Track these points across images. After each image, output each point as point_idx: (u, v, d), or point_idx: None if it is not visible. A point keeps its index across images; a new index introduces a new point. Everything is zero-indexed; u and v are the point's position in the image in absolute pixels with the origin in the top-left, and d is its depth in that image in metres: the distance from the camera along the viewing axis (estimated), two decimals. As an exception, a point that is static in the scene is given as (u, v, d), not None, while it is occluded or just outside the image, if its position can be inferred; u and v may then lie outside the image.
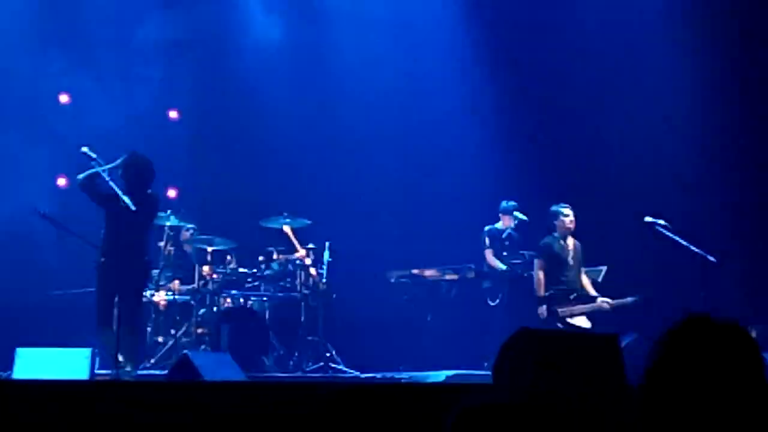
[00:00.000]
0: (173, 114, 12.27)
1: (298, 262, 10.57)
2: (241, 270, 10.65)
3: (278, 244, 11.13)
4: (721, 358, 1.95)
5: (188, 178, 12.14)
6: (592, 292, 10.24)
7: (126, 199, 8.37)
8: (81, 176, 8.90)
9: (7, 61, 11.21)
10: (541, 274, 10.14)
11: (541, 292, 10.11)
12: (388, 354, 11.20)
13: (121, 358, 8.04)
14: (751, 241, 10.73)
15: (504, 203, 11.36)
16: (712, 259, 9.58)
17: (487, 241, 11.33)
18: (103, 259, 8.62)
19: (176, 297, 10.15)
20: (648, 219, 9.93)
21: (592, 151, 11.51)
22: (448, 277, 11.82)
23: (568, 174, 11.48)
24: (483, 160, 12.06)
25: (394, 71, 13.59)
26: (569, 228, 10.23)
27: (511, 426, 2.26)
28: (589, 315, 10.03)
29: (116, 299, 8.55)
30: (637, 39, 11.43)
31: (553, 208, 10.30)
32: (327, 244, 11.22)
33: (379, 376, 9.92)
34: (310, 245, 11.30)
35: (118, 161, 8.75)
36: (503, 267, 11.12)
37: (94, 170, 8.75)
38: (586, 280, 10.36)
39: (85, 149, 8.84)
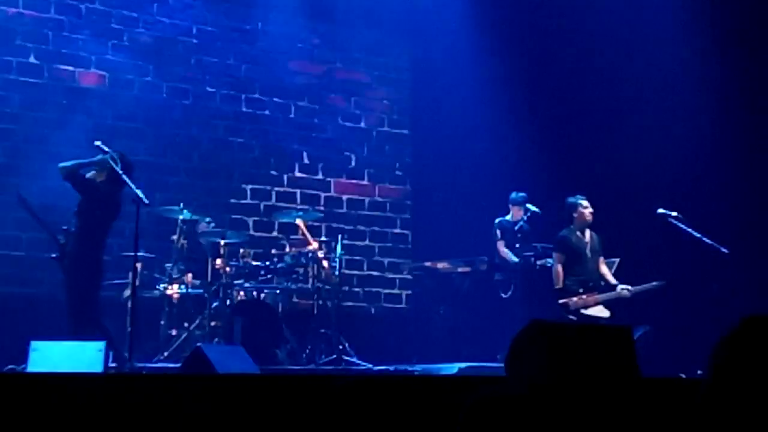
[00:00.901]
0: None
1: (310, 255, 10.57)
2: (254, 263, 10.66)
3: (291, 238, 11.18)
4: None
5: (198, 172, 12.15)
6: (612, 280, 10.20)
7: (139, 192, 8.41)
8: (64, 165, 9.05)
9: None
10: (559, 267, 10.13)
11: (559, 284, 10.10)
12: (400, 346, 11.21)
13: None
14: (763, 232, 10.69)
15: (513, 194, 11.36)
16: (724, 250, 9.56)
17: (498, 233, 11.34)
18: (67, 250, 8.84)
19: (189, 290, 10.17)
20: (661, 211, 9.92)
21: (605, 144, 11.47)
22: (460, 269, 11.83)
23: (580, 167, 11.45)
24: (496, 153, 12.05)
25: (406, 63, 13.61)
26: (588, 219, 10.21)
27: (523, 417, 2.27)
28: (609, 304, 9.99)
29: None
30: (652, 32, 11.39)
31: (571, 199, 10.28)
32: (339, 237, 11.25)
33: (392, 368, 9.92)
34: (323, 238, 11.33)
35: (114, 157, 8.90)
36: (515, 259, 11.12)
37: (79, 161, 9.05)
38: (605, 269, 10.33)
39: (98, 143, 8.92)
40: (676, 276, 10.17)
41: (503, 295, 11.11)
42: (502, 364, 3.47)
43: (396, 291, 13.18)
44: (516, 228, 11.17)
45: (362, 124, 13.30)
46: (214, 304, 10.05)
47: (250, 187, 12.38)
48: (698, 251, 9.69)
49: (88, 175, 9.19)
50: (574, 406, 2.39)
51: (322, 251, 10.67)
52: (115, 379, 5.20)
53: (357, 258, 12.83)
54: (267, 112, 12.65)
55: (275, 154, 12.62)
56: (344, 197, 13.02)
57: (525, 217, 11.13)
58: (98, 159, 8.99)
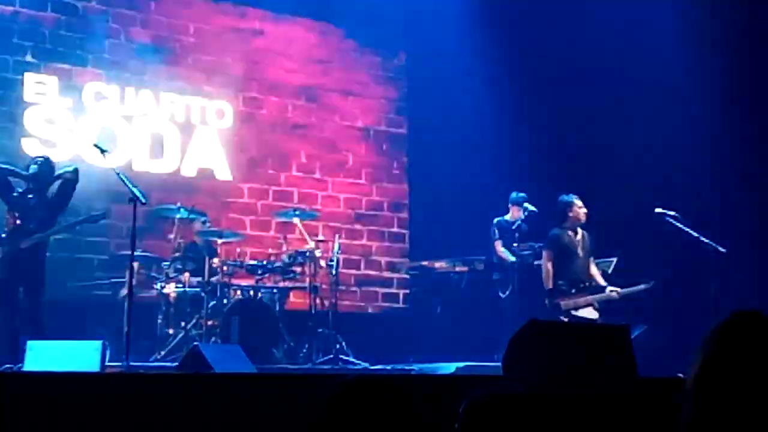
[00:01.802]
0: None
1: (308, 254, 10.56)
2: (251, 262, 10.66)
3: (288, 237, 11.17)
4: None
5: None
6: (602, 282, 10.21)
7: (137, 191, 8.40)
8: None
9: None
10: (549, 266, 10.13)
11: (549, 284, 10.09)
12: (398, 346, 11.20)
13: None
14: (761, 231, 10.69)
15: (514, 194, 11.35)
16: (722, 249, 9.56)
17: (496, 232, 11.33)
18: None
19: (186, 289, 10.16)
20: (658, 210, 9.92)
21: (603, 143, 11.47)
22: (458, 268, 11.82)
23: (578, 165, 11.45)
24: (493, 152, 12.04)
25: (403, 61, 13.59)
26: (582, 218, 10.21)
27: (521, 416, 2.26)
28: (598, 305, 10.00)
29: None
30: (649, 29, 11.38)
31: (565, 198, 10.27)
32: (336, 236, 11.25)
33: (389, 367, 9.92)
34: (320, 238, 11.32)
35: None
36: (512, 258, 11.11)
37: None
38: (595, 270, 10.34)
39: (95, 142, 8.94)
40: (673, 275, 10.17)
41: (501, 295, 11.10)
42: (499, 364, 3.47)
43: (393, 290, 13.18)
44: (514, 227, 11.16)
45: (360, 124, 13.30)
46: (211, 303, 10.04)
47: (247, 186, 12.37)
48: (696, 250, 9.68)
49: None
50: (571, 405, 2.39)
51: (319, 250, 10.67)
52: (112, 378, 5.19)
53: (354, 257, 12.83)
54: (264, 111, 12.64)
55: (272, 154, 12.62)
56: (341, 196, 13.01)
57: (523, 217, 11.13)
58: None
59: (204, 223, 10.78)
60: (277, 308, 10.56)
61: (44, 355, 7.55)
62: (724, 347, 1.97)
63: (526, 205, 11.10)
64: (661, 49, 11.30)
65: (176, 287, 10.16)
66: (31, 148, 11.00)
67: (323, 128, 13.00)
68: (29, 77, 11.21)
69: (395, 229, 13.35)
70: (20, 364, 7.66)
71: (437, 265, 12.02)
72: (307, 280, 10.61)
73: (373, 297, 13.02)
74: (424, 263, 12.22)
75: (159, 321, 10.12)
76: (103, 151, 8.87)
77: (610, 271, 10.49)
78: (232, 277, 10.41)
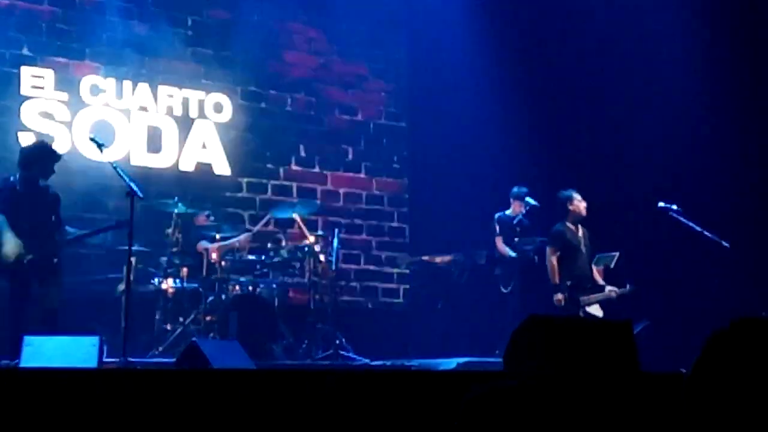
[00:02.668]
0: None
1: (307, 249, 10.53)
2: (250, 257, 10.62)
3: (287, 232, 11.15)
4: None
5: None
6: (600, 281, 10.21)
7: (134, 185, 8.36)
8: None
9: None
10: (554, 261, 10.10)
11: (556, 279, 10.07)
12: (398, 341, 11.18)
13: None
14: (764, 226, 10.66)
15: (515, 189, 11.33)
16: (725, 244, 9.54)
17: (497, 228, 11.31)
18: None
19: (184, 284, 10.13)
20: (661, 204, 9.90)
21: (605, 137, 11.45)
22: (458, 263, 11.79)
23: (580, 160, 11.43)
24: (493, 145, 12.01)
25: (403, 55, 13.57)
26: (582, 213, 10.19)
27: (522, 411, 2.22)
28: (601, 303, 10.01)
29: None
30: (650, 23, 11.35)
31: (564, 193, 10.26)
32: (336, 231, 11.21)
33: (389, 363, 9.89)
34: (320, 232, 11.30)
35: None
36: (513, 254, 11.09)
37: None
38: (594, 269, 10.33)
39: (92, 136, 8.90)
40: (676, 270, 10.14)
41: (503, 290, 11.08)
42: (500, 359, 3.44)
43: (393, 285, 13.15)
44: (515, 222, 11.14)
45: (359, 117, 13.26)
46: (210, 298, 10.02)
47: (246, 180, 12.33)
48: (699, 245, 9.67)
49: None
50: (573, 401, 2.35)
51: (318, 245, 10.63)
52: (109, 374, 5.16)
53: (354, 252, 12.79)
54: (263, 105, 12.60)
55: (271, 147, 12.58)
56: (341, 191, 12.98)
57: (524, 211, 11.11)
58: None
59: (208, 216, 10.77)
60: (276, 303, 10.53)
61: (41, 351, 7.51)
62: (724, 352, 1.94)
63: (527, 199, 11.09)
64: (663, 46, 11.27)
65: (174, 282, 10.13)
66: (28, 142, 10.95)
67: (323, 122, 12.96)
68: (26, 71, 11.15)
69: (395, 224, 13.32)
70: (17, 360, 7.63)
71: (437, 259, 12.00)
72: (307, 275, 10.58)
73: (373, 292, 13.00)
74: (425, 258, 12.20)
75: (157, 316, 10.08)
76: (100, 146, 8.83)
77: (612, 265, 10.46)
78: (231, 273, 10.38)
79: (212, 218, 10.80)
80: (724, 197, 10.74)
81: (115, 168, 8.67)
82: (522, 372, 2.48)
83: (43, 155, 8.94)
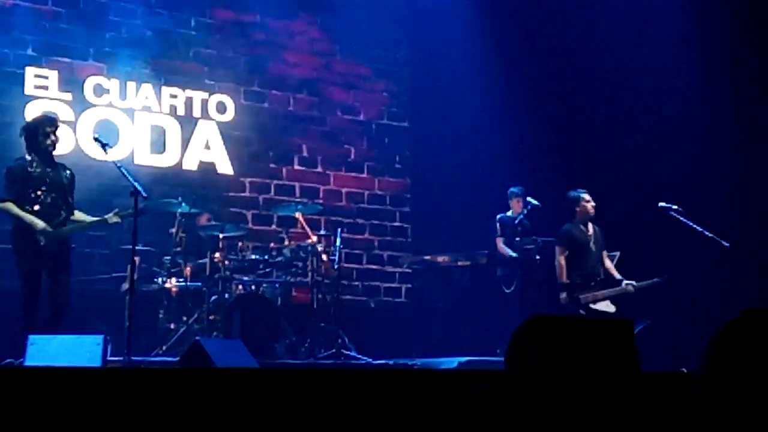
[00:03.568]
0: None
1: (310, 248, 10.54)
2: (252, 257, 10.64)
3: (290, 231, 11.16)
4: None
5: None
6: (617, 275, 10.18)
7: (138, 185, 8.36)
8: None
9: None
10: (562, 260, 10.10)
11: (564, 278, 10.06)
12: (400, 340, 11.20)
13: None
14: (765, 225, 10.67)
15: (512, 188, 11.35)
16: (725, 244, 9.54)
17: (498, 229, 11.31)
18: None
19: (188, 284, 10.15)
20: (661, 204, 9.91)
21: (605, 137, 11.45)
22: (460, 263, 11.80)
23: (581, 160, 11.43)
24: (496, 145, 12.03)
25: (405, 55, 13.58)
26: (591, 213, 10.19)
27: (523, 410, 2.25)
28: (614, 299, 9.99)
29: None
30: (653, 23, 11.36)
31: (572, 193, 10.25)
32: (338, 230, 11.23)
33: (391, 362, 9.90)
34: (322, 232, 11.31)
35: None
36: (514, 254, 11.10)
37: None
38: (609, 264, 10.31)
39: (96, 135, 8.89)
40: (677, 269, 10.15)
41: (506, 290, 11.08)
42: (502, 359, 3.46)
43: (395, 285, 13.17)
44: (516, 222, 11.15)
45: (361, 117, 13.28)
46: (213, 297, 10.04)
47: (248, 180, 12.36)
48: (699, 245, 9.67)
49: None
50: (573, 400, 2.37)
51: (321, 245, 10.65)
52: (113, 373, 5.18)
53: (356, 251, 12.82)
54: (266, 105, 12.63)
55: (274, 147, 12.60)
56: (343, 190, 13.00)
57: (525, 211, 11.11)
58: None
59: (210, 218, 10.82)
60: (279, 303, 10.55)
61: (45, 350, 7.53)
62: (733, 345, 1.96)
63: (528, 198, 11.10)
64: (665, 45, 11.27)
65: (178, 282, 10.15)
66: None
67: (325, 122, 12.98)
68: (30, 71, 11.19)
69: (397, 223, 13.34)
70: (21, 359, 7.65)
71: (439, 259, 12.01)
72: (309, 274, 10.59)
73: (376, 291, 13.02)
74: (427, 257, 12.21)
75: (160, 315, 10.10)
76: (104, 145, 8.83)
77: (613, 264, 10.47)
78: (234, 272, 10.40)
79: (212, 220, 10.84)
80: (724, 197, 10.75)
81: (119, 168, 8.68)
82: (523, 371, 2.51)
83: (35, 125, 8.73)
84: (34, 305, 8.48)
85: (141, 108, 11.76)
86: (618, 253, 10.59)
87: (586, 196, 10.20)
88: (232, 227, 10.75)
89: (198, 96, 12.18)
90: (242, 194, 12.30)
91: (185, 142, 12.01)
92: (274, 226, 12.16)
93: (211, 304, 9.99)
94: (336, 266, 10.76)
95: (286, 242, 10.88)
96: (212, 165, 12.15)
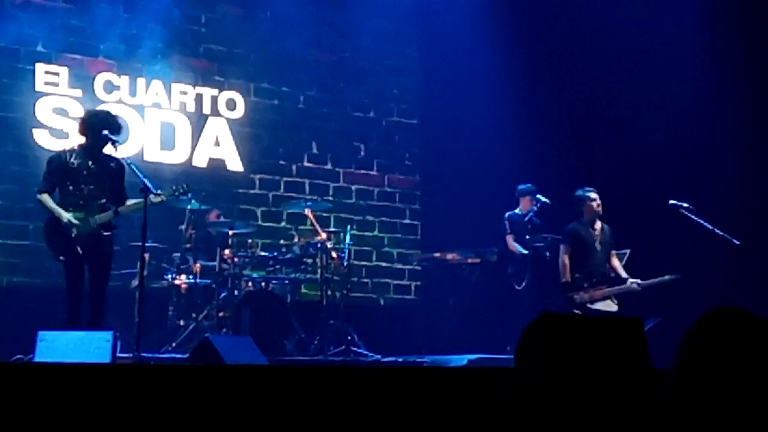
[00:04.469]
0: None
1: (319, 245, 10.54)
2: (262, 253, 10.64)
3: (299, 228, 11.17)
4: (753, 352, 1.92)
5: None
6: (623, 274, 10.15)
7: (147, 182, 8.36)
8: None
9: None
10: (566, 259, 10.08)
11: (566, 277, 10.05)
12: (409, 338, 11.19)
13: None
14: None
15: (521, 186, 11.33)
16: (736, 242, 9.52)
17: (507, 226, 11.29)
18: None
19: (197, 280, 10.16)
20: (672, 202, 9.88)
21: (616, 134, 11.43)
22: (470, 260, 11.79)
23: (592, 157, 11.41)
24: (506, 143, 12.00)
25: (415, 52, 13.56)
26: (597, 212, 10.16)
27: (534, 409, 2.24)
28: (618, 297, 9.96)
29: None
30: (663, 22, 11.33)
31: (579, 192, 10.22)
32: (348, 227, 11.23)
33: (400, 359, 9.90)
34: (332, 229, 11.31)
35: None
36: (524, 251, 11.08)
37: None
38: (616, 263, 10.28)
39: (105, 132, 8.86)
40: (687, 267, 10.12)
41: (516, 287, 11.06)
42: (511, 356, 3.45)
43: (405, 282, 13.15)
44: (526, 219, 11.13)
45: (371, 114, 13.27)
46: (222, 294, 10.04)
47: (258, 176, 12.36)
48: (710, 242, 9.64)
49: None
50: (584, 397, 2.36)
51: (330, 242, 10.65)
52: (123, 370, 5.18)
53: (366, 248, 12.81)
54: (276, 102, 12.62)
55: (284, 144, 12.60)
56: (353, 187, 12.99)
57: (534, 209, 11.09)
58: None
59: (220, 215, 10.83)
60: (289, 299, 10.56)
61: (55, 346, 7.54)
62: (704, 343, 1.97)
63: (538, 196, 11.07)
64: (677, 42, 11.25)
65: (187, 278, 10.16)
66: (43, 138, 11.01)
67: (335, 119, 12.97)
68: (40, 67, 11.20)
69: (407, 221, 13.32)
70: (31, 355, 7.66)
71: (449, 256, 12.00)
72: (319, 271, 10.60)
73: (385, 288, 13.01)
74: (436, 255, 12.20)
75: (170, 312, 10.12)
76: (114, 142, 8.83)
77: (623, 263, 10.45)
78: (243, 269, 10.40)
79: (222, 217, 10.85)
80: (735, 194, 10.72)
81: (128, 164, 8.69)
82: (533, 369, 2.50)
83: (96, 123, 8.63)
84: (74, 300, 8.37)
85: (151, 105, 11.77)
86: (628, 251, 10.56)
87: (592, 195, 10.17)
88: (242, 224, 10.76)
89: (208, 93, 12.18)
90: (252, 191, 12.30)
91: (195, 139, 12.02)
92: (283, 223, 12.17)
93: (221, 301, 10.00)
94: (345, 263, 10.76)
95: (296, 239, 10.88)
96: (222, 162, 12.15)
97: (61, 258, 8.45)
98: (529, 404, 2.26)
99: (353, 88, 13.13)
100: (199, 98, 12.12)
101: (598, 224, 10.21)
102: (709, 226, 9.60)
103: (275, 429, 4.04)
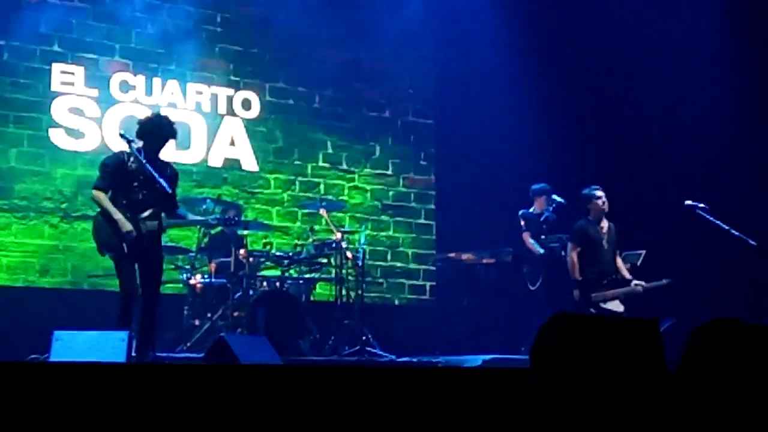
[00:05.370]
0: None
1: (334, 245, 10.54)
2: (277, 253, 10.65)
3: (314, 228, 11.18)
4: (750, 362, 1.91)
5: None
6: (627, 275, 10.15)
7: (162, 182, 8.35)
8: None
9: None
10: (574, 257, 10.08)
11: (576, 275, 10.05)
12: (424, 338, 11.18)
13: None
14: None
15: (535, 186, 11.31)
16: (753, 242, 9.48)
17: (523, 224, 11.27)
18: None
19: (212, 280, 10.17)
20: (688, 202, 9.85)
21: (633, 134, 11.40)
22: (485, 260, 11.78)
23: (607, 158, 11.39)
24: (521, 143, 11.99)
25: (430, 52, 13.54)
26: (603, 210, 10.16)
27: (549, 407, 2.24)
28: (623, 298, 9.95)
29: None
30: (677, 20, 11.29)
31: (585, 191, 10.23)
32: (363, 227, 11.22)
33: (415, 360, 9.89)
34: (347, 228, 11.30)
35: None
36: (541, 250, 11.06)
37: None
38: (620, 263, 10.28)
39: (122, 132, 8.89)
40: (704, 268, 10.09)
41: (531, 287, 11.05)
42: (526, 357, 3.44)
43: (420, 282, 13.14)
44: (542, 219, 11.11)
45: (387, 114, 13.26)
46: (237, 294, 10.05)
47: (273, 176, 12.37)
48: (726, 243, 9.61)
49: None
50: (599, 398, 2.36)
51: (345, 242, 10.64)
52: (138, 369, 5.19)
53: (381, 248, 12.80)
54: (291, 102, 12.63)
55: (299, 144, 12.61)
56: (368, 187, 12.98)
57: (550, 208, 11.07)
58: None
59: (236, 214, 10.82)
60: (303, 299, 10.56)
61: (71, 345, 7.56)
62: (696, 355, 1.96)
63: (554, 196, 11.05)
64: (692, 41, 11.21)
65: (202, 278, 10.17)
66: (59, 138, 11.05)
67: (350, 119, 12.97)
68: (56, 67, 11.23)
69: (422, 221, 13.31)
70: (47, 354, 7.68)
71: (464, 257, 11.99)
72: (334, 271, 10.60)
73: (400, 289, 12.99)
74: (451, 255, 12.19)
75: (185, 312, 10.13)
76: (129, 142, 8.84)
77: (639, 263, 10.42)
78: (258, 269, 10.41)
79: (236, 217, 10.85)
80: (752, 195, 10.67)
81: (144, 164, 8.69)
82: (548, 369, 2.50)
83: (152, 127, 8.65)
84: (126, 299, 8.26)
85: (166, 104, 11.78)
86: (644, 252, 10.52)
87: (598, 193, 10.17)
88: (257, 224, 10.76)
89: (223, 92, 12.20)
90: (267, 191, 12.31)
91: (210, 139, 12.03)
92: (298, 223, 12.17)
93: (236, 301, 10.00)
94: (360, 263, 10.75)
95: (311, 239, 10.88)
96: (237, 161, 12.17)
97: (108, 254, 8.44)
98: (547, 405, 2.25)
99: (368, 87, 13.12)
100: (214, 98, 12.14)
101: (605, 222, 10.21)
102: (726, 227, 9.57)
103: (290, 429, 4.04)
